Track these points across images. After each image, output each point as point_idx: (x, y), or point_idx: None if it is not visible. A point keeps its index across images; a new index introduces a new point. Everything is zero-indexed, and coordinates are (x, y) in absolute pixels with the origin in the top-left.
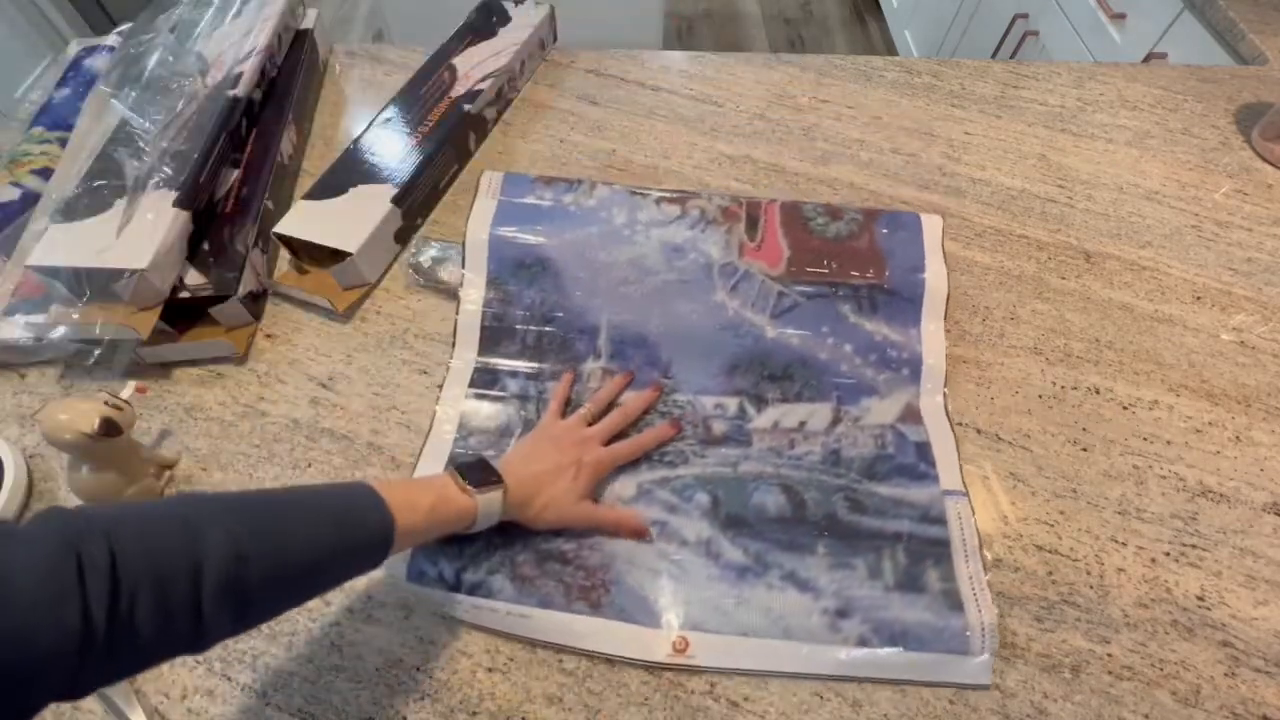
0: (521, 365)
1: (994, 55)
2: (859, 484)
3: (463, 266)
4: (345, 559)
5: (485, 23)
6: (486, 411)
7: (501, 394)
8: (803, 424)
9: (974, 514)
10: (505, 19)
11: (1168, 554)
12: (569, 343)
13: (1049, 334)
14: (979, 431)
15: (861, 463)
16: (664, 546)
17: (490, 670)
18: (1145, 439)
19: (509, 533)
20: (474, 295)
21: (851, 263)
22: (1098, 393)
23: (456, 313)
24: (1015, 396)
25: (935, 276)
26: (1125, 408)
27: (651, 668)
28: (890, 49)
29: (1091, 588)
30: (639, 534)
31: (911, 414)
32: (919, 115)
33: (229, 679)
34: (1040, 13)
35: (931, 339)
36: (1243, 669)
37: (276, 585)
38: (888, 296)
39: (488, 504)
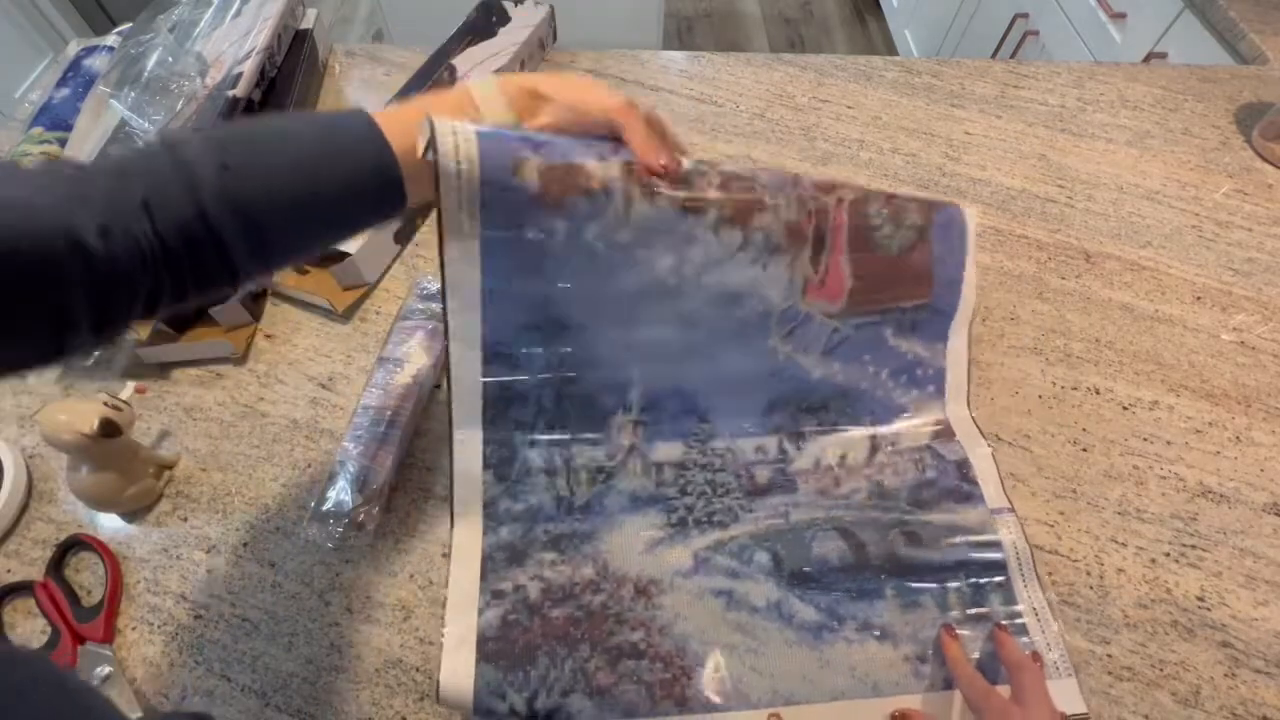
0: (540, 435)
1: (994, 55)
2: (910, 514)
3: (445, 333)
4: (342, 179)
5: (485, 23)
6: (512, 497)
7: (525, 473)
8: (843, 458)
9: (1023, 528)
10: (505, 19)
11: (1168, 554)
12: (594, 399)
13: (1049, 334)
14: (979, 432)
15: (908, 491)
16: (735, 616)
17: None
18: (1145, 439)
19: (571, 640)
20: (468, 365)
21: (908, 284)
22: (1098, 393)
23: (448, 382)
24: (1015, 396)
25: (969, 286)
26: (1125, 408)
27: None
28: (890, 49)
29: (1091, 588)
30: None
31: (944, 430)
32: (919, 115)
33: (229, 679)
34: (1040, 12)
35: (955, 353)
36: (1243, 669)
37: (274, 203)
38: (929, 315)
39: (484, 94)
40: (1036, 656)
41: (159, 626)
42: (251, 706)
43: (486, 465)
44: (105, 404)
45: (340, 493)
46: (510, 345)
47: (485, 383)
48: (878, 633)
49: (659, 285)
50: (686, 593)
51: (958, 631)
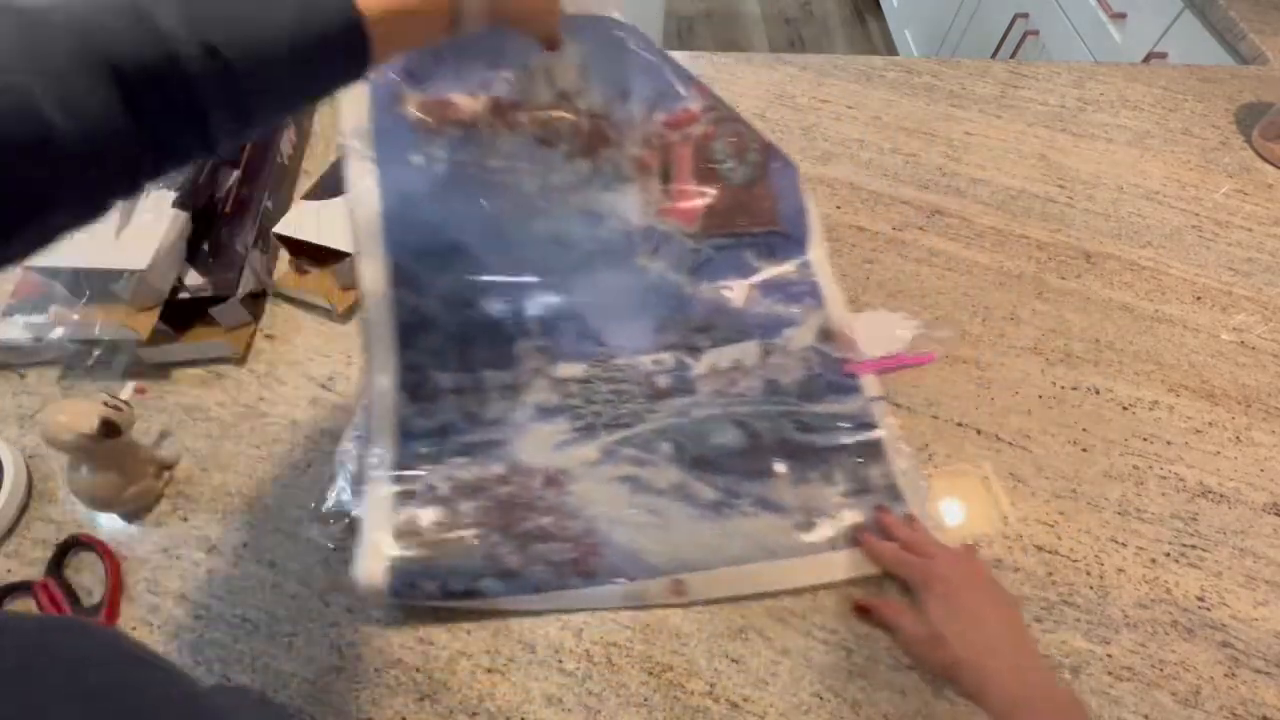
0: (451, 358)
1: (994, 55)
2: (799, 406)
3: (355, 255)
4: (310, 46)
5: None
6: (426, 416)
7: (435, 393)
8: (738, 362)
9: (893, 413)
10: None
11: (1168, 554)
12: (497, 325)
13: (1049, 334)
14: (979, 432)
15: (796, 386)
16: (641, 499)
17: (490, 671)
18: (1145, 439)
19: (484, 525)
20: (376, 289)
21: (755, 213)
22: (1098, 393)
23: (363, 312)
24: (1015, 396)
25: (812, 217)
26: (1125, 408)
27: (649, 608)
28: (890, 49)
29: (1091, 588)
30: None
31: (828, 333)
32: (919, 115)
33: (229, 679)
34: (1040, 13)
35: (821, 264)
36: (1243, 669)
37: (248, 59)
38: (782, 239)
39: None
40: (912, 518)
41: (159, 626)
42: None
43: (401, 387)
44: (105, 404)
45: (340, 493)
46: (412, 266)
47: (395, 303)
48: (770, 505)
49: (529, 205)
50: (594, 480)
51: (846, 501)
